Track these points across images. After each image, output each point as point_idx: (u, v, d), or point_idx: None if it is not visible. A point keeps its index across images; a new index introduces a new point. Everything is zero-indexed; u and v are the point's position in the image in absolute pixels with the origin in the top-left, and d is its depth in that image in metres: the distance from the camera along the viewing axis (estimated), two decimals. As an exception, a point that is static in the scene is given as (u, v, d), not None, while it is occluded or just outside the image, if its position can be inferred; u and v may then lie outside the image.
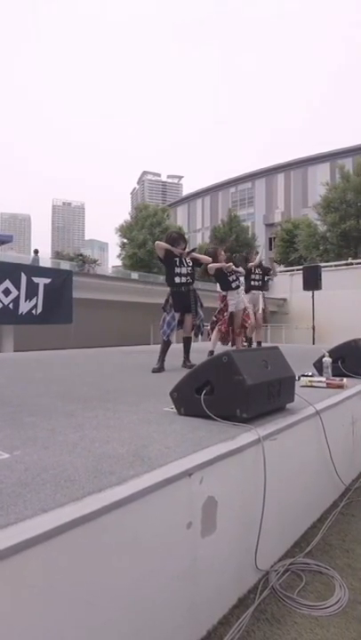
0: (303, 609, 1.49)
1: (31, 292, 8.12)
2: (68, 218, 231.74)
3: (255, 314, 6.31)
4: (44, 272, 8.86)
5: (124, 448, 1.55)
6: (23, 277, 8.02)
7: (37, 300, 8.27)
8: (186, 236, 6.06)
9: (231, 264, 5.09)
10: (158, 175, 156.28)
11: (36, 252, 18.51)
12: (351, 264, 14.80)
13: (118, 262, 36.86)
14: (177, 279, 4.38)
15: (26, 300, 8.07)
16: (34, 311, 8.22)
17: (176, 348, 4.71)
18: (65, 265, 21.70)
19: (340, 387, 2.93)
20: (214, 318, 5.39)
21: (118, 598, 1.07)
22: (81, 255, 28.60)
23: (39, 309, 8.29)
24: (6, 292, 7.75)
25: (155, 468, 1.31)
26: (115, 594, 1.06)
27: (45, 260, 19.93)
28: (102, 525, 1.03)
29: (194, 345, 4.79)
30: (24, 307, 8.03)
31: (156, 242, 4.65)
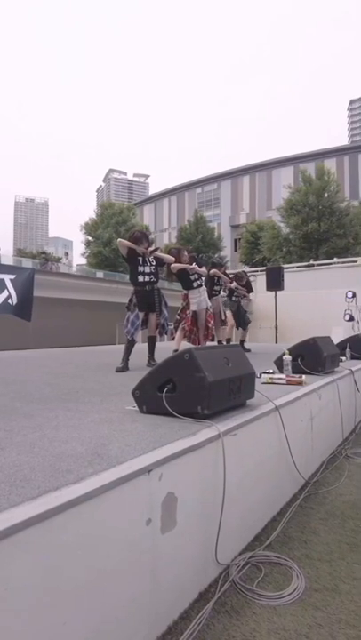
0: (262, 599, 1.52)
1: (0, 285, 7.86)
2: (31, 214, 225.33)
3: (225, 313, 6.70)
4: (5, 269, 8.60)
5: (83, 447, 1.53)
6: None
7: (9, 291, 7.99)
8: (152, 236, 6.07)
9: (195, 265, 5.12)
10: (125, 174, 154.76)
11: (-3, 249, 17.92)
12: (313, 265, 15.24)
13: (83, 261, 36.34)
14: (141, 278, 4.36)
15: None
16: (10, 301, 7.94)
17: (141, 347, 4.69)
18: (27, 263, 21.16)
19: (300, 383, 3.02)
20: (178, 317, 5.41)
21: (76, 597, 1.06)
22: (44, 253, 27.97)
23: (14, 300, 8.01)
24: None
25: (114, 466, 1.30)
26: (73, 593, 1.05)
27: (7, 258, 19.38)
28: (58, 524, 1.01)
29: (159, 344, 4.79)
30: None
31: (119, 239, 4.62)
